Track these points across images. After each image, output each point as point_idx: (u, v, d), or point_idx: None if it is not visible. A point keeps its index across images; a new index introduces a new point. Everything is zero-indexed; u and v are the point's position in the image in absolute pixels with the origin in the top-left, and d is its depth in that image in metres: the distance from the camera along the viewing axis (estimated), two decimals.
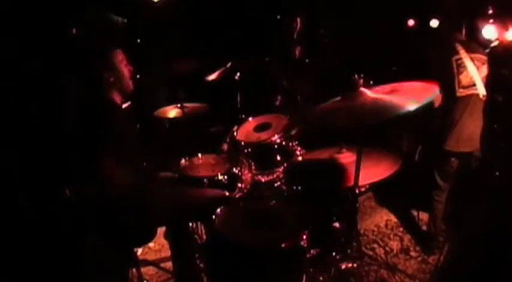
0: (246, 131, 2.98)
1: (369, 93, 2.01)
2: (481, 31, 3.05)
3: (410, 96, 1.89)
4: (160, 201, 2.40)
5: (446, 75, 2.86)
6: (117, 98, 2.38)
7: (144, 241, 2.57)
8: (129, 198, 2.29)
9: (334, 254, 2.36)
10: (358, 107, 1.97)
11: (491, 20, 2.97)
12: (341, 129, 2.19)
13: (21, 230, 2.76)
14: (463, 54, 2.87)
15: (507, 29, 2.78)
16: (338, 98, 2.13)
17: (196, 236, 2.69)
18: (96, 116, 2.31)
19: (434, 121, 3.02)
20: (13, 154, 2.83)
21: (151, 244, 3.18)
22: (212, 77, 3.30)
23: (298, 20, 4.06)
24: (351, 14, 4.59)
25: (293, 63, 4.06)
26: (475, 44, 2.95)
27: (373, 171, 2.23)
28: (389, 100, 1.93)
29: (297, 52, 4.10)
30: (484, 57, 2.84)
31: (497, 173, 2.19)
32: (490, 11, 3.18)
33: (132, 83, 2.44)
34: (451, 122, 2.91)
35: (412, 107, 1.81)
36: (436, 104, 2.92)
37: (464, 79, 2.85)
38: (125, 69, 2.40)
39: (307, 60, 4.10)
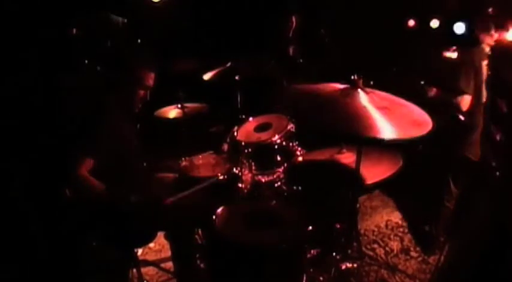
0: (246, 131, 2.98)
1: (363, 98, 1.94)
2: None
3: (396, 125, 1.79)
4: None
5: (476, 79, 2.81)
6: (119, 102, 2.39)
7: (144, 242, 2.58)
8: (130, 198, 2.29)
9: (334, 254, 2.36)
10: (342, 110, 1.88)
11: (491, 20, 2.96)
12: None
13: (21, 230, 2.76)
14: None
15: (507, 30, 2.78)
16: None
17: (196, 236, 2.69)
18: (93, 117, 2.32)
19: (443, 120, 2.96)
20: (13, 154, 2.83)
21: (151, 244, 3.17)
22: (208, 75, 3.30)
23: (294, 18, 4.02)
24: (351, 14, 4.58)
25: (287, 63, 4.02)
26: None
27: (374, 171, 2.23)
28: (373, 117, 1.82)
29: (290, 51, 4.04)
30: None
31: (497, 173, 2.19)
32: (490, 11, 3.18)
33: (139, 108, 2.46)
34: (473, 128, 2.88)
35: (388, 136, 1.73)
36: (465, 108, 2.87)
37: None
38: (141, 91, 2.41)
39: (301, 60, 4.05)
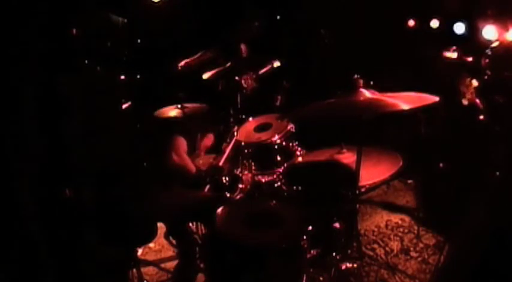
0: (246, 131, 2.98)
1: (367, 93, 2.01)
2: (481, 31, 3.04)
3: (407, 101, 1.93)
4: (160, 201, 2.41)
5: None
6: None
7: (144, 241, 2.58)
8: (131, 197, 2.30)
9: (334, 254, 2.36)
10: (354, 103, 2.00)
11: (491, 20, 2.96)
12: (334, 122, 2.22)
13: (21, 230, 2.75)
14: None
15: (507, 30, 2.77)
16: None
17: (196, 236, 2.69)
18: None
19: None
20: (13, 154, 2.83)
21: (151, 244, 3.18)
22: (207, 75, 3.29)
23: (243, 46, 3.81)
24: (351, 14, 4.58)
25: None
26: None
27: (373, 171, 2.23)
28: (385, 99, 1.97)
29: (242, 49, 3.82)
30: None
31: (497, 173, 2.19)
32: (490, 12, 3.17)
33: None
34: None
35: (406, 106, 1.86)
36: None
37: None
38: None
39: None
